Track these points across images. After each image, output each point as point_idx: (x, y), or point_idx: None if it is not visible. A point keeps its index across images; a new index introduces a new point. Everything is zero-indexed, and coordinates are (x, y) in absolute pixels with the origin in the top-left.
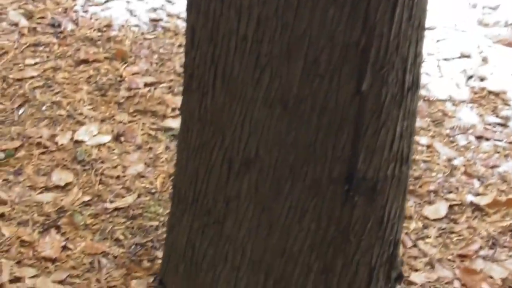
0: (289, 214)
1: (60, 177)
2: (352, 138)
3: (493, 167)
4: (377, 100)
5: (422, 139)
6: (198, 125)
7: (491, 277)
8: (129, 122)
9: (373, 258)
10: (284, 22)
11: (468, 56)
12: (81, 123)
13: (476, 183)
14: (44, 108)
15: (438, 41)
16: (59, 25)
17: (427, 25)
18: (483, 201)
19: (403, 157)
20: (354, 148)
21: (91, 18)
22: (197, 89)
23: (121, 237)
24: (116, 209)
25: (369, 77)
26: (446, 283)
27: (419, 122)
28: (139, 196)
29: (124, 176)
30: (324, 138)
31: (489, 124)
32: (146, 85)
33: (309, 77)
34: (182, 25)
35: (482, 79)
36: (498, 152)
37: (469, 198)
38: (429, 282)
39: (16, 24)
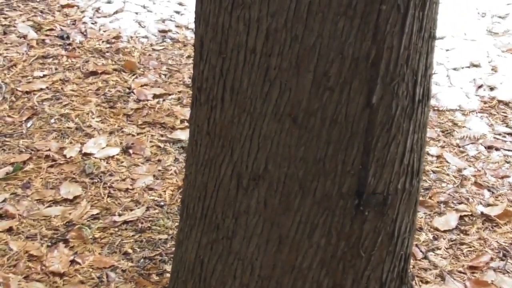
0: (299, 230)
1: (68, 190)
2: (362, 152)
3: (503, 177)
4: (387, 113)
5: (432, 150)
6: (206, 139)
7: None
8: (138, 134)
9: (383, 273)
10: (293, 35)
11: (477, 66)
12: (89, 136)
13: (486, 193)
14: (52, 120)
15: (447, 50)
16: (68, 37)
17: (437, 34)
18: (493, 211)
19: (413, 171)
20: (364, 162)
21: (99, 30)
22: (205, 102)
23: (130, 250)
24: (124, 222)
25: (379, 90)
26: None
27: (428, 133)
28: (147, 209)
29: (132, 189)
30: (334, 152)
31: (499, 134)
32: (155, 96)
33: (319, 90)
34: (191, 36)
35: (491, 89)
36: (508, 162)
37: (480, 209)
38: None
39: (24, 36)
